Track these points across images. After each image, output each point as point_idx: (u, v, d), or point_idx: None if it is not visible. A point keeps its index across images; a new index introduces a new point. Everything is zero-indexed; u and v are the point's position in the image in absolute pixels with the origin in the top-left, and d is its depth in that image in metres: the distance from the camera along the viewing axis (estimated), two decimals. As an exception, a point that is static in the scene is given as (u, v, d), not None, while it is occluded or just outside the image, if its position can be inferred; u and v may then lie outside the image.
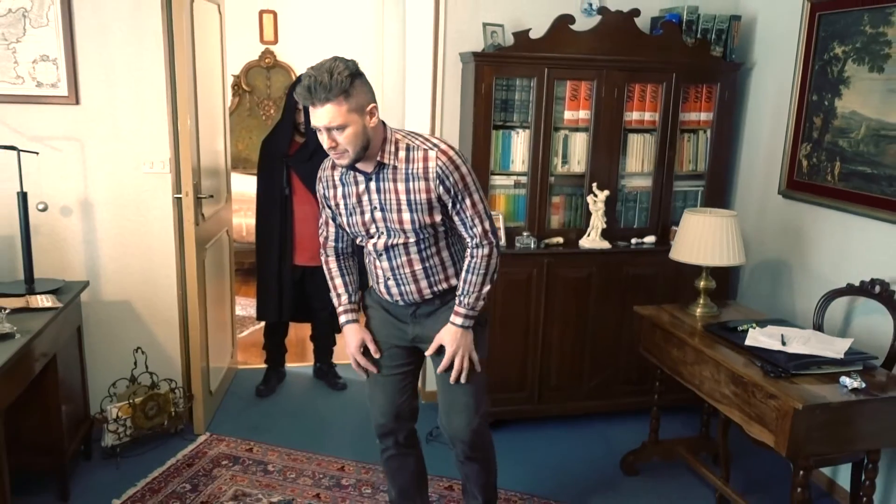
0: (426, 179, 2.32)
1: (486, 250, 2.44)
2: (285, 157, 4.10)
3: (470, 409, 2.56)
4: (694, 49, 3.98)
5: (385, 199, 2.36)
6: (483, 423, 2.61)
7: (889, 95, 3.23)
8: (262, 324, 4.90)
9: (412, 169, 2.32)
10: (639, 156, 4.04)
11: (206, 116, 3.79)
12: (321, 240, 2.64)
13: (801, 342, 2.95)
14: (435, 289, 2.50)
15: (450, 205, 2.37)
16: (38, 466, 3.05)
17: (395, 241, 2.41)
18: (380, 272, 2.51)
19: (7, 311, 2.77)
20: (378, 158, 2.31)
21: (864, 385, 2.63)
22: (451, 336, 2.47)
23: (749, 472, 3.58)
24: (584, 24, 3.87)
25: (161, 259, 3.73)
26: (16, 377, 2.62)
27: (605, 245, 3.94)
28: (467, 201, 2.38)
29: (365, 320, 2.68)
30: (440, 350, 2.51)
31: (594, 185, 3.92)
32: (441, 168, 2.31)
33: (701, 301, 3.39)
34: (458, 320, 2.47)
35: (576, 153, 3.94)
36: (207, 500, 3.23)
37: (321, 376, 4.59)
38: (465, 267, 2.48)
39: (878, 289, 3.18)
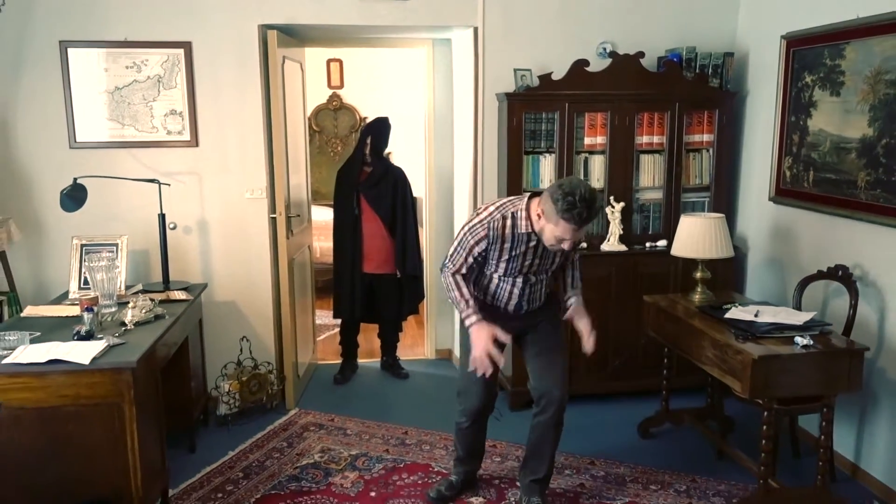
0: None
1: (578, 260, 3.65)
2: (356, 184, 5.19)
3: (565, 374, 3.56)
4: (693, 82, 4.94)
5: (546, 252, 3.37)
6: (567, 387, 3.57)
7: (845, 115, 4.13)
8: (337, 329, 5.99)
9: None
10: (650, 173, 5.00)
11: (293, 152, 4.92)
12: (450, 268, 3.38)
13: (771, 315, 3.85)
14: (542, 300, 3.56)
15: (576, 248, 3.43)
16: (172, 426, 4.10)
17: (538, 279, 3.46)
18: (513, 298, 3.46)
19: (157, 302, 3.87)
20: None
21: (812, 343, 3.52)
22: (576, 307, 3.52)
23: (747, 434, 4.42)
24: (598, 65, 4.87)
25: (259, 267, 4.84)
26: (167, 346, 3.71)
27: (623, 248, 4.90)
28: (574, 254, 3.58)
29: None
30: (533, 327, 3.56)
31: (612, 198, 4.88)
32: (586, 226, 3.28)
33: (698, 289, 4.29)
34: (577, 297, 3.56)
35: (595, 172, 4.91)
36: (301, 452, 4.27)
37: (387, 368, 5.65)
38: (568, 277, 3.60)
39: (840, 273, 4.07)
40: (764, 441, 3.58)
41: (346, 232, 5.26)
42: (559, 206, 3.06)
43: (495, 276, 3.43)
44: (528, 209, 3.27)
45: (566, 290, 3.60)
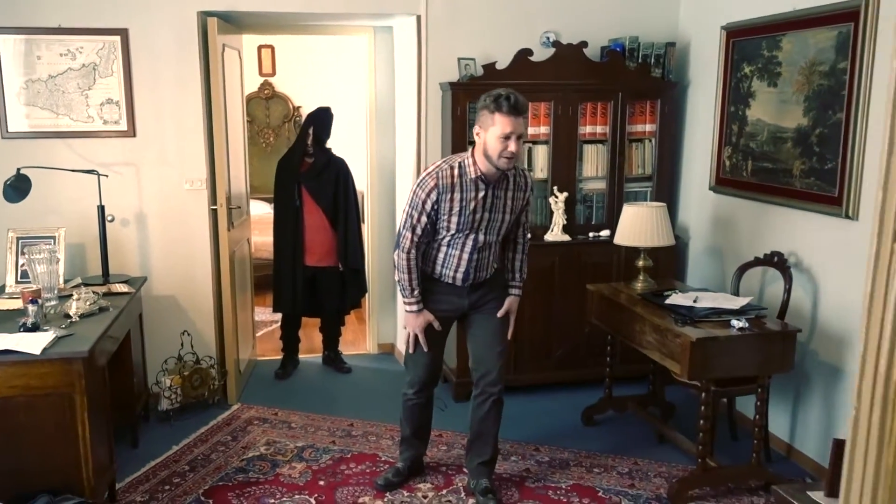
0: (525, 191, 3.87)
1: (528, 238, 4.08)
2: (298, 175, 5.52)
3: (503, 356, 4.00)
4: (636, 72, 5.40)
5: (496, 204, 3.78)
6: (505, 366, 4.03)
7: (781, 105, 4.62)
8: (276, 325, 6.33)
9: (518, 184, 3.84)
10: (593, 163, 5.45)
11: (233, 143, 5.24)
12: (405, 237, 3.76)
13: (710, 300, 4.32)
14: (491, 272, 3.96)
15: (525, 208, 3.93)
16: (115, 421, 4.38)
17: (488, 238, 3.82)
18: (462, 263, 3.82)
19: (101, 294, 4.17)
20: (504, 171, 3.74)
21: (747, 325, 3.99)
22: (513, 302, 4.03)
23: (687, 419, 4.89)
24: (541, 54, 5.29)
25: (199, 260, 5.15)
26: (112, 339, 4.01)
27: (567, 238, 5.34)
28: (528, 207, 3.97)
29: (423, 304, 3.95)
30: (478, 309, 3.97)
31: (555, 188, 5.31)
32: (531, 183, 3.92)
33: (641, 277, 4.74)
34: (517, 292, 4.06)
35: (539, 162, 5.33)
36: (246, 445, 4.61)
37: (329, 363, 6.01)
38: (517, 253, 4.07)
39: (776, 259, 4.56)
40: (702, 421, 4.05)
41: (288, 224, 5.59)
42: (489, 106, 3.58)
43: (446, 237, 3.79)
44: (472, 155, 3.71)
45: (512, 277, 4.05)
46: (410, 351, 4.02)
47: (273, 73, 9.52)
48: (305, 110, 9.45)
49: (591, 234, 5.44)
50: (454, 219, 3.73)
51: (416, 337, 3.93)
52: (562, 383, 5.46)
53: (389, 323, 6.37)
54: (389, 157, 6.15)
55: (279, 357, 5.98)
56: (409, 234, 3.78)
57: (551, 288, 5.32)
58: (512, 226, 3.94)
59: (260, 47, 9.32)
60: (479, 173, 3.69)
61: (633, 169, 5.52)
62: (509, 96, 3.57)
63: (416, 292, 3.84)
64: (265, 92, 9.51)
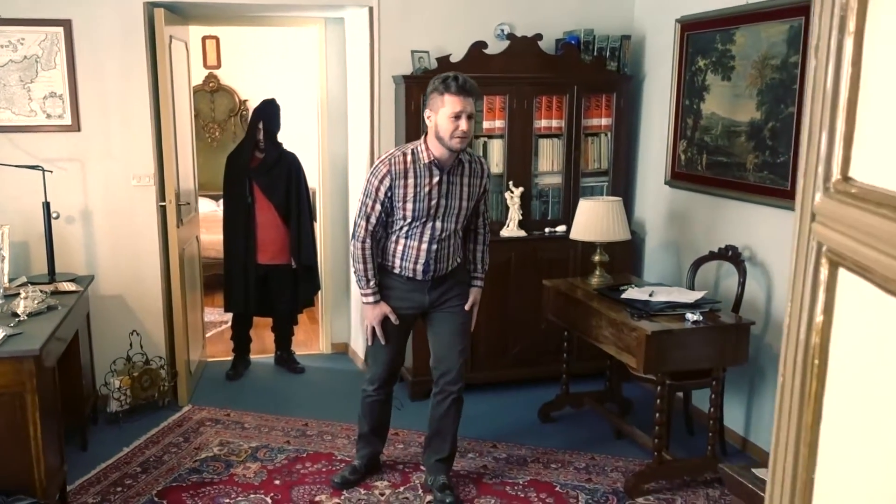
0: (482, 178, 4.07)
1: (488, 229, 4.30)
2: (248, 170, 5.64)
3: (463, 354, 4.18)
4: (591, 65, 5.61)
5: (451, 191, 3.96)
6: (464, 365, 4.21)
7: (735, 99, 4.86)
8: (225, 325, 6.46)
9: (474, 170, 4.04)
10: (549, 157, 5.64)
11: (181, 138, 5.34)
12: (359, 225, 3.97)
13: (665, 294, 4.54)
14: (453, 265, 4.12)
15: (483, 196, 4.13)
16: (64, 423, 4.48)
17: (446, 226, 3.98)
18: (421, 254, 3.98)
19: (49, 293, 4.27)
20: (458, 156, 3.93)
21: (702, 319, 4.21)
22: (476, 295, 4.23)
23: (644, 415, 5.11)
24: (496, 47, 5.47)
25: (147, 259, 5.25)
26: (61, 340, 4.11)
27: (522, 234, 5.53)
28: (487, 195, 4.18)
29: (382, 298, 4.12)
30: (441, 306, 4.12)
31: (510, 183, 5.50)
32: (488, 171, 4.17)
33: (597, 272, 4.95)
34: (480, 283, 4.27)
35: (494, 157, 5.52)
36: (199, 446, 4.73)
37: (281, 363, 6.14)
38: (478, 244, 4.26)
39: (730, 253, 4.80)
40: (658, 415, 4.26)
41: (239, 221, 5.71)
42: (438, 88, 3.81)
43: (404, 227, 3.95)
44: (425, 141, 3.91)
45: (474, 269, 4.24)
46: (369, 343, 4.19)
47: (218, 66, 9.59)
48: (252, 104, 9.44)
49: (547, 230, 5.64)
50: (409, 205, 3.90)
51: (374, 329, 4.09)
52: (519, 381, 5.65)
53: (343, 322, 6.52)
54: (342, 152, 6.29)
55: (230, 358, 6.09)
56: (363, 223, 3.96)
57: (507, 284, 5.50)
58: (471, 215, 4.12)
59: (204, 38, 9.38)
60: (432, 158, 3.88)
61: (590, 163, 5.74)
62: (457, 77, 3.80)
63: (371, 283, 4.01)
64: (210, 85, 9.57)
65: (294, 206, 5.77)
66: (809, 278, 1.19)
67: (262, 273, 5.81)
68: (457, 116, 3.77)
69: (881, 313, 0.98)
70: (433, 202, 3.92)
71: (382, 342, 4.12)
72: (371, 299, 4.04)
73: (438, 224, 3.96)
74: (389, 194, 3.90)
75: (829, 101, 1.15)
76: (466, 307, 4.17)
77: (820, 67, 1.17)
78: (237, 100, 9.71)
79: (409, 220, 3.94)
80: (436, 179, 3.90)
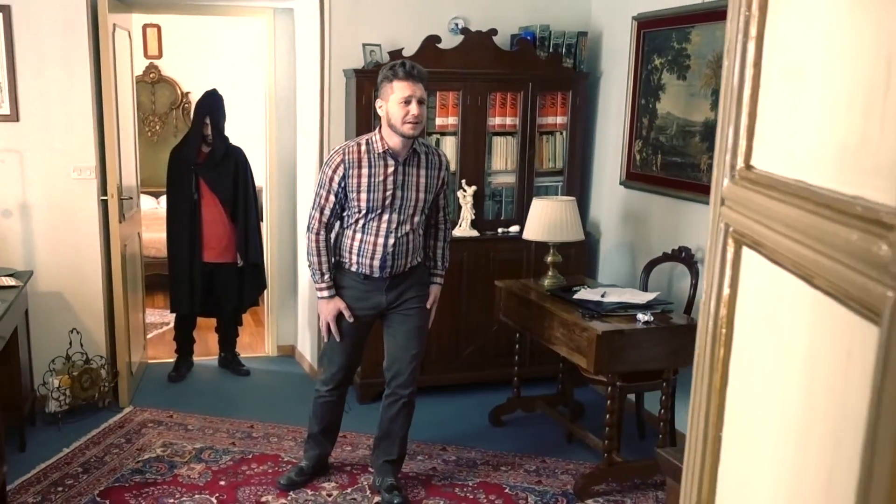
0: (439, 169, 4.25)
1: (449, 224, 4.49)
2: (194, 165, 5.80)
3: (417, 359, 4.36)
4: (547, 61, 5.84)
5: (407, 182, 4.14)
6: (418, 369, 4.39)
7: (690, 98, 5.12)
8: (166, 327, 6.61)
9: (431, 161, 4.22)
10: (503, 156, 5.87)
11: (123, 130, 5.48)
12: (314, 217, 4.18)
13: (617, 295, 4.79)
14: (412, 262, 4.29)
15: (443, 189, 4.32)
16: (3, 423, 4.61)
17: (403, 219, 4.16)
18: (378, 249, 4.15)
19: (-15, 287, 4.41)
20: (414, 147, 4.13)
21: (653, 319, 4.46)
22: (436, 291, 4.43)
23: (595, 419, 5.34)
24: (450, 42, 5.69)
25: (88, 254, 5.39)
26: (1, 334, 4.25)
27: (475, 234, 5.75)
28: (446, 188, 4.36)
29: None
30: (399, 307, 4.30)
31: (463, 181, 5.72)
32: (447, 163, 4.35)
33: (550, 273, 5.17)
34: (439, 280, 4.46)
35: (448, 154, 5.72)
36: (141, 447, 4.89)
37: (226, 365, 6.30)
38: (438, 240, 4.44)
39: (683, 254, 5.06)
40: (608, 416, 4.50)
41: (184, 218, 5.86)
42: (388, 76, 4.03)
43: (360, 221, 4.13)
44: (379, 131, 4.12)
45: (434, 265, 4.43)
46: (325, 340, 4.39)
47: (160, 56, 9.70)
48: (195, 96, 9.59)
49: (500, 230, 5.87)
50: (363, 196, 4.09)
51: (329, 326, 4.27)
52: (470, 384, 5.87)
53: (290, 324, 6.69)
54: (290, 147, 6.46)
55: (171, 360, 6.24)
56: (317, 215, 4.17)
57: (459, 285, 5.71)
58: (430, 210, 4.31)
59: (145, 27, 9.48)
60: (386, 147, 4.09)
61: (544, 163, 5.98)
62: (404, 63, 4.05)
63: (326, 276, 4.20)
64: (151, 76, 9.68)
65: (241, 202, 5.94)
66: (719, 256, 1.41)
67: (208, 271, 5.97)
68: (406, 101, 3.98)
69: (770, 281, 1.20)
70: (388, 193, 4.11)
71: (337, 339, 4.29)
72: (326, 294, 4.22)
73: (395, 217, 4.14)
74: (343, 184, 4.09)
75: (735, 98, 1.38)
76: (428, 305, 4.37)
77: (729, 68, 1.40)
78: (179, 92, 9.83)
79: (363, 211, 4.12)
80: (391, 169, 4.10)
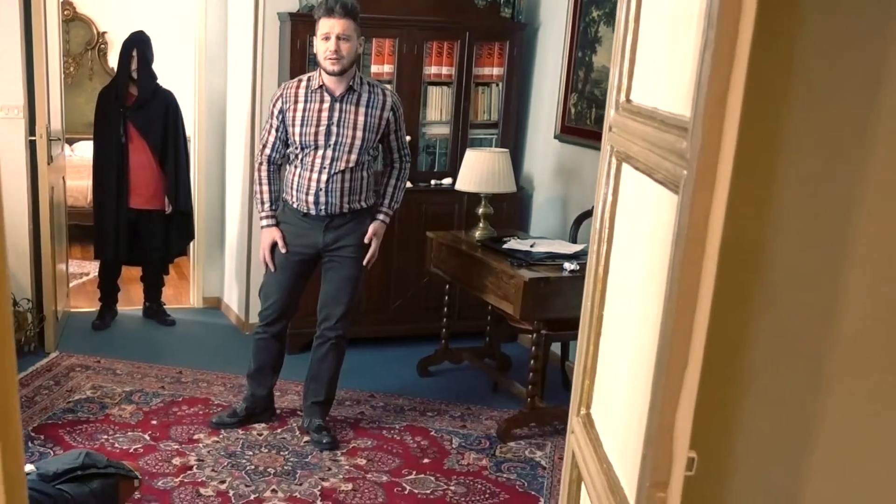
0: (383, 109, 4.67)
1: (407, 166, 4.96)
2: (123, 108, 6.22)
3: (346, 305, 4.84)
4: (485, 10, 6.36)
5: (344, 119, 4.60)
6: (349, 314, 4.89)
7: (624, 54, 5.67)
8: (87, 278, 7.06)
9: (373, 100, 4.65)
10: (438, 107, 6.40)
11: (51, 69, 5.87)
12: (259, 150, 4.77)
13: (546, 246, 5.36)
14: (350, 205, 4.74)
15: (392, 129, 4.75)
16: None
17: (338, 155, 4.62)
18: (312, 184, 4.63)
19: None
20: (349, 84, 4.58)
21: (578, 269, 5.02)
22: (376, 227, 4.82)
23: (522, 372, 5.91)
24: (387, -11, 6.17)
25: (14, 196, 5.78)
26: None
27: (408, 185, 6.23)
28: (402, 129, 4.84)
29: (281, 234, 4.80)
30: (340, 252, 4.76)
31: (398, 131, 6.22)
32: (395, 102, 4.76)
33: (481, 224, 5.70)
34: (383, 217, 4.86)
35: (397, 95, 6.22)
36: (71, 389, 5.36)
37: (151, 315, 6.77)
38: (391, 178, 4.92)
39: (614, 207, 5.64)
40: (532, 361, 5.07)
41: (111, 162, 6.27)
42: (315, 13, 4.56)
43: (299, 155, 4.64)
44: (318, 69, 4.62)
45: (381, 202, 4.90)
46: (262, 269, 4.91)
47: (75, -8, 9.99)
48: (113, 37, 9.98)
49: (433, 182, 6.40)
50: (297, 129, 4.62)
51: (266, 257, 4.80)
52: (400, 337, 6.43)
53: (216, 275, 7.16)
54: (220, 93, 6.90)
55: (93, 309, 6.69)
56: (261, 147, 4.76)
57: (390, 238, 6.14)
58: (384, 151, 4.85)
59: (61, -39, 9.77)
60: (321, 83, 4.61)
61: (479, 114, 6.51)
62: (328, 0, 4.48)
63: (266, 206, 4.76)
64: (65, 13, 9.92)
65: (171, 147, 6.36)
66: (605, 172, 1.97)
67: (134, 218, 6.39)
68: (326, 37, 4.49)
69: (635, 184, 1.75)
70: (321, 127, 4.60)
71: (272, 269, 4.81)
72: (264, 223, 4.78)
73: (329, 153, 4.63)
74: (282, 118, 4.65)
75: (621, 46, 1.93)
76: (365, 240, 4.81)
77: (618, 21, 1.95)
78: (95, 31, 10.12)
79: (299, 146, 4.64)
80: (325, 105, 4.60)
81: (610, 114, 1.94)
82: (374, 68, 6.17)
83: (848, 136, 1.59)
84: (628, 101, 1.85)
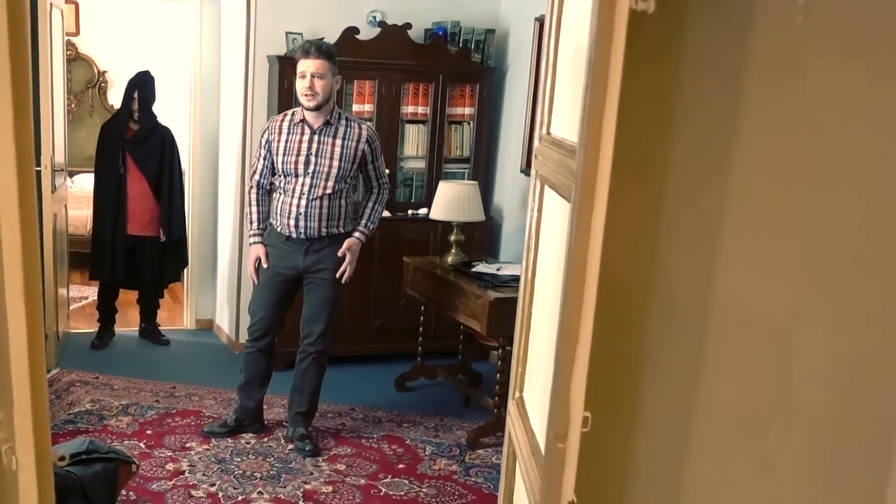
0: (358, 141, 5.03)
1: (385, 192, 5.30)
2: (122, 141, 6.55)
3: (325, 322, 5.16)
4: (457, 56, 6.73)
5: (321, 150, 4.95)
6: (328, 331, 5.21)
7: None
8: (86, 301, 7.37)
9: (349, 134, 5.02)
10: (414, 143, 6.75)
11: (57, 104, 6.21)
12: (249, 175, 5.19)
13: (511, 269, 5.68)
14: (329, 230, 5.07)
15: (369, 159, 5.11)
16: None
17: (315, 182, 4.96)
18: (293, 209, 4.97)
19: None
20: (326, 118, 4.95)
21: (543, 289, 5.37)
22: (351, 243, 5.10)
23: (491, 387, 6.24)
24: (368, 33, 6.53)
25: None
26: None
27: (387, 214, 6.60)
28: (380, 160, 5.21)
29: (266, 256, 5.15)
30: (319, 275, 5.09)
31: (377, 164, 6.57)
32: (370, 135, 5.11)
33: (453, 250, 6.04)
34: (358, 235, 5.15)
35: (373, 130, 6.56)
36: (71, 402, 5.65)
37: (146, 335, 7.07)
38: (370, 201, 5.24)
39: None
40: (498, 374, 5.38)
41: (110, 191, 6.60)
42: (296, 55, 5.00)
43: (282, 181, 5.00)
44: (301, 107, 5.00)
45: (359, 222, 5.21)
46: (251, 286, 5.28)
47: (77, 33, 10.25)
48: (112, 76, 10.33)
49: (409, 212, 6.75)
50: (280, 158, 5.00)
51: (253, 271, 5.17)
52: (379, 355, 6.75)
53: (209, 298, 7.47)
54: (213, 129, 7.24)
55: (92, 330, 6.98)
56: (251, 173, 5.17)
57: (370, 262, 6.54)
58: (364, 180, 5.22)
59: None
60: (303, 117, 4.99)
61: (452, 150, 6.87)
62: (305, 43, 5.01)
63: (254, 226, 5.15)
64: (67, 53, 10.25)
65: (166, 178, 6.69)
66: (532, 192, 2.30)
67: (131, 244, 6.70)
68: (303, 76, 4.88)
69: (551, 201, 2.09)
70: (301, 157, 4.95)
71: (256, 282, 5.17)
72: (252, 240, 5.18)
73: (307, 181, 4.96)
74: (268, 147, 5.04)
75: (544, 89, 2.27)
76: (339, 253, 5.09)
77: (543, 70, 2.29)
78: (96, 70, 10.45)
79: (282, 173, 5.00)
80: (305, 136, 4.97)
81: (535, 144, 2.29)
82: (355, 107, 6.52)
83: (717, 150, 1.93)
84: (548, 133, 2.20)
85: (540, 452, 1.98)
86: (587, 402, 1.76)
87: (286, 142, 4.99)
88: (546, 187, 2.14)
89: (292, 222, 5.01)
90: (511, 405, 2.52)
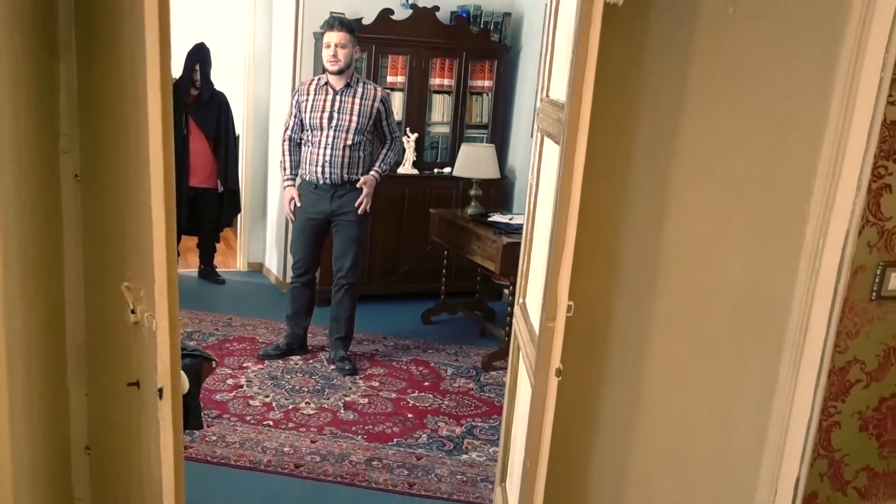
0: (374, 100, 5.48)
1: (397, 143, 5.80)
2: (184, 105, 7.01)
3: (354, 258, 5.61)
4: (478, 35, 7.14)
5: (342, 107, 5.41)
6: (357, 265, 5.66)
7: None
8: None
9: (366, 94, 5.48)
10: (440, 110, 7.18)
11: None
12: (283, 132, 5.66)
13: (522, 220, 6.06)
14: (350, 176, 5.51)
15: (383, 116, 5.55)
16: None
17: (338, 135, 5.41)
18: (319, 157, 5.43)
19: None
20: (347, 81, 5.40)
21: (549, 237, 5.81)
22: (367, 178, 5.54)
23: (504, 320, 6.71)
24: (401, 14, 6.93)
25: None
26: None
27: (416, 172, 7.06)
28: (392, 117, 5.65)
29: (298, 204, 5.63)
30: (344, 217, 5.54)
31: (408, 129, 7.01)
32: (384, 96, 5.58)
33: (472, 203, 6.49)
34: (373, 173, 5.59)
35: (396, 106, 7.01)
36: (144, 327, 6.12)
37: (204, 276, 7.56)
38: (384, 148, 5.70)
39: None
40: (509, 308, 5.84)
41: (175, 149, 7.04)
42: (322, 28, 5.50)
43: (309, 136, 5.47)
44: (326, 72, 5.46)
45: (374, 164, 5.63)
46: (290, 227, 5.81)
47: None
48: (175, 47, 10.72)
49: (436, 170, 7.19)
50: (308, 115, 5.48)
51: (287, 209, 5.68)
52: (407, 294, 7.21)
53: (259, 244, 7.95)
54: (264, 96, 7.68)
55: (158, 270, 7.46)
56: (284, 128, 5.65)
57: (401, 214, 7.03)
58: (368, 131, 5.53)
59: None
60: (327, 80, 5.46)
61: (473, 117, 7.30)
62: (330, 18, 5.54)
63: (287, 171, 5.65)
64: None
65: (223, 138, 7.16)
66: (535, 142, 2.74)
67: (192, 195, 7.18)
68: (327, 46, 5.37)
69: (548, 149, 2.53)
70: (325, 113, 5.41)
71: (291, 219, 5.70)
72: (285, 184, 5.68)
73: (332, 133, 5.41)
74: (298, 106, 5.54)
75: (545, 58, 2.71)
76: (357, 185, 5.51)
77: (544, 43, 2.72)
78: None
79: (309, 128, 5.48)
80: (329, 96, 5.44)
81: (537, 104, 2.72)
82: (389, 78, 6.95)
83: (669, 109, 2.38)
84: (547, 95, 2.63)
85: (535, 335, 2.43)
86: (571, 295, 2.21)
87: (313, 101, 5.45)
88: (545, 138, 2.58)
89: (319, 169, 5.46)
90: (517, 309, 2.99)
